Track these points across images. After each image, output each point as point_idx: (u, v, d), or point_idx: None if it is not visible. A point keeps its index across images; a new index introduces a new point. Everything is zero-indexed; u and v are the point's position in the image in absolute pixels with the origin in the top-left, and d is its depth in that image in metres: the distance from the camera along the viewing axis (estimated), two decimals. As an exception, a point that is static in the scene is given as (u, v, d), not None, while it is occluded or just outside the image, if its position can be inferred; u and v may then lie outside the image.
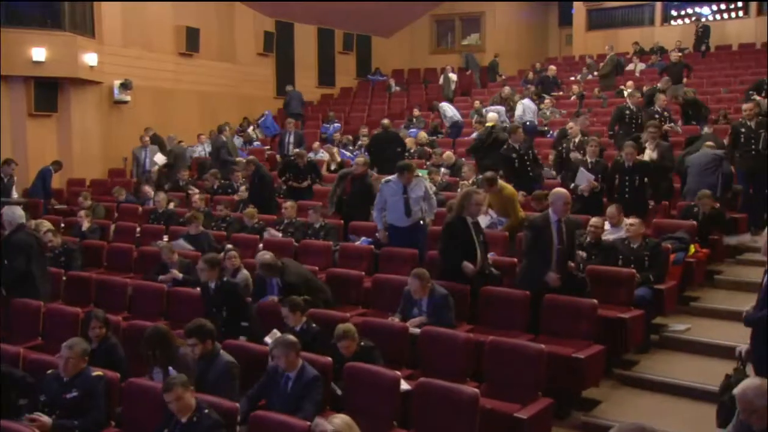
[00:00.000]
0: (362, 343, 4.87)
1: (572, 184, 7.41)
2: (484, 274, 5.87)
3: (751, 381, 3.13)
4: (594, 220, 6.41)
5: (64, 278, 7.23)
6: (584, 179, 7.39)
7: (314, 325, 5.23)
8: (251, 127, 14.59)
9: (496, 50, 17.75)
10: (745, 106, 8.44)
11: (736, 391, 3.14)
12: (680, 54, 13.79)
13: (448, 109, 12.73)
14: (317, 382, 4.43)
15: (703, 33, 15.61)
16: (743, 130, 7.99)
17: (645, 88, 13.02)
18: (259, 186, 9.22)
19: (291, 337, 4.59)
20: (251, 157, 10.59)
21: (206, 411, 4.01)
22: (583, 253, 6.13)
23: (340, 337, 4.80)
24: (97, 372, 4.63)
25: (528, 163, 8.29)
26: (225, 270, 6.30)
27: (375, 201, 7.16)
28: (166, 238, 8.24)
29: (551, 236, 5.50)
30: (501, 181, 7.31)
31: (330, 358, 4.77)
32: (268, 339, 5.24)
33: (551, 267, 5.49)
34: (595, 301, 5.35)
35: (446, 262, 5.94)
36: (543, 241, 5.51)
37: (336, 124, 14.33)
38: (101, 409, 4.52)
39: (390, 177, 7.12)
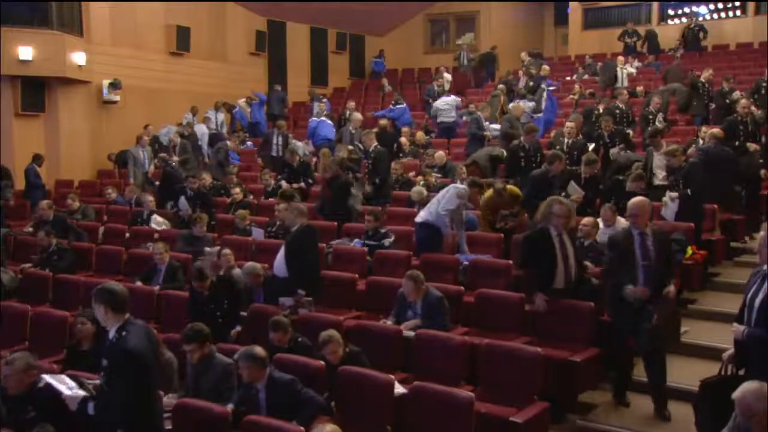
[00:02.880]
0: (348, 349, 4.80)
1: (563, 193, 7.36)
2: (573, 290, 5.34)
3: (750, 384, 3.08)
4: (586, 220, 6.36)
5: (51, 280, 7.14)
6: (575, 190, 7.38)
7: (300, 339, 5.11)
8: (243, 100, 14.40)
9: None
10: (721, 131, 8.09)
11: (735, 394, 3.09)
12: (677, 54, 13.83)
13: (441, 106, 12.41)
14: (292, 385, 4.30)
15: (698, 31, 15.54)
16: None
17: (639, 88, 13.04)
18: (165, 182, 9.60)
19: (258, 350, 4.38)
20: (162, 154, 10.65)
21: None
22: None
23: (324, 343, 4.72)
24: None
25: (534, 163, 8.28)
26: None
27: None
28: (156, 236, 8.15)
29: (634, 253, 4.87)
30: (499, 185, 7.40)
31: (322, 362, 4.69)
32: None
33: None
34: (592, 303, 5.27)
35: (525, 279, 5.65)
36: (623, 260, 4.88)
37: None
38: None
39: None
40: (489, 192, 7.30)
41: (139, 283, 6.86)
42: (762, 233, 4.06)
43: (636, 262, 4.84)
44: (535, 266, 5.41)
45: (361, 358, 4.79)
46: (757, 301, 3.92)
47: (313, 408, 4.27)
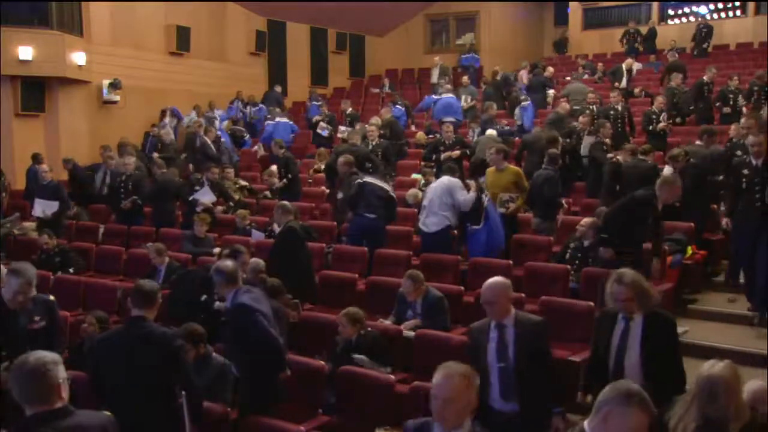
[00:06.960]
0: (362, 332, 4.90)
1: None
2: None
3: (753, 383, 3.07)
4: (585, 221, 6.35)
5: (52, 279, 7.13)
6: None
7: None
8: (247, 107, 14.45)
9: (491, 50, 17.69)
10: (734, 126, 7.65)
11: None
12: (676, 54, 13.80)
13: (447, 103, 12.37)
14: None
15: (706, 33, 15.50)
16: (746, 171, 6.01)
17: (637, 90, 13.02)
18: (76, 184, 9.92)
19: (227, 263, 4.43)
20: (69, 157, 10.68)
21: None
22: None
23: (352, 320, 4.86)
24: None
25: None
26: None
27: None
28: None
29: (485, 350, 3.70)
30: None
31: (322, 362, 4.69)
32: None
33: (491, 399, 3.65)
34: (591, 303, 5.27)
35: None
36: (476, 357, 3.69)
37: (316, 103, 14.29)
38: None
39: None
40: (491, 169, 7.34)
41: None
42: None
43: (489, 364, 3.65)
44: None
45: (368, 339, 4.87)
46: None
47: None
